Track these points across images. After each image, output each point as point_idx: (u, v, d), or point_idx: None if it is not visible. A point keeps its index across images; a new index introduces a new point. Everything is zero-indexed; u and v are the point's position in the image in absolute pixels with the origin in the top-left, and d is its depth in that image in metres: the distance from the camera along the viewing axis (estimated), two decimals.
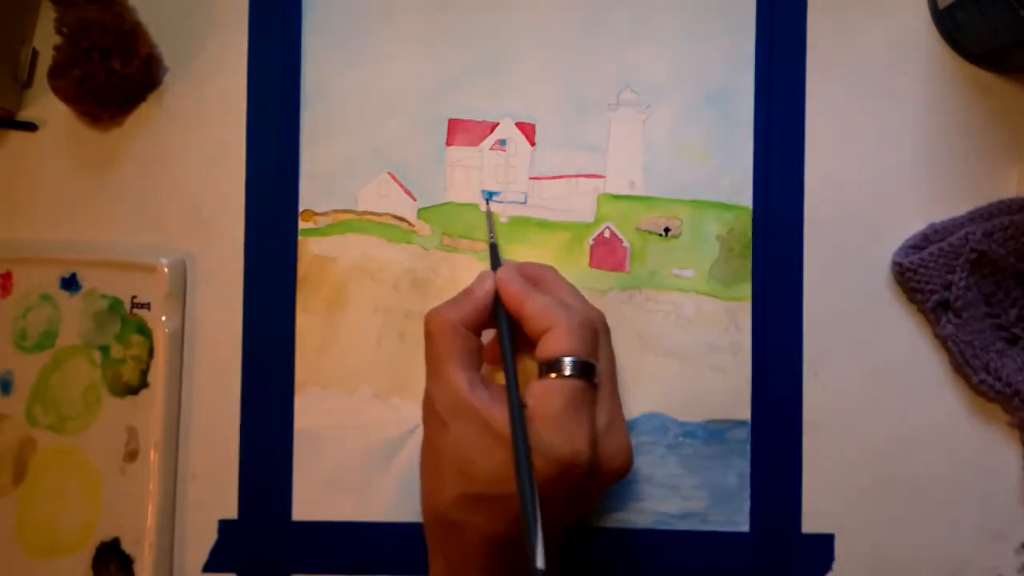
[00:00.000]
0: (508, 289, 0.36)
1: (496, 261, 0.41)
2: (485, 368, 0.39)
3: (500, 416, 0.33)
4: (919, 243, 0.43)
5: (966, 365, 0.42)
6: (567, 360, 0.33)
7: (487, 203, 0.43)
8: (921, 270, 0.42)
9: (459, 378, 0.34)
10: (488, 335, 0.38)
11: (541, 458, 0.32)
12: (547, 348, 0.34)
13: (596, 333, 0.35)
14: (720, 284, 0.44)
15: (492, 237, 0.42)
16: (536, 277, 0.38)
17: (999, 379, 0.42)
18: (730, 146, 0.44)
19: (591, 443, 0.33)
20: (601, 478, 0.34)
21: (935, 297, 0.42)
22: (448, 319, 0.35)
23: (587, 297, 0.38)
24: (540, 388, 0.33)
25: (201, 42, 0.44)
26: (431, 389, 0.35)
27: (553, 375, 0.33)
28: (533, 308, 0.35)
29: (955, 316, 0.42)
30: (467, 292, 0.37)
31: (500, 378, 0.38)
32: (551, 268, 0.39)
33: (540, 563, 0.28)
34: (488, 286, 0.37)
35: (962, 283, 0.41)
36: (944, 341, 0.43)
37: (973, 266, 0.42)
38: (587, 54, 0.44)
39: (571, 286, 0.38)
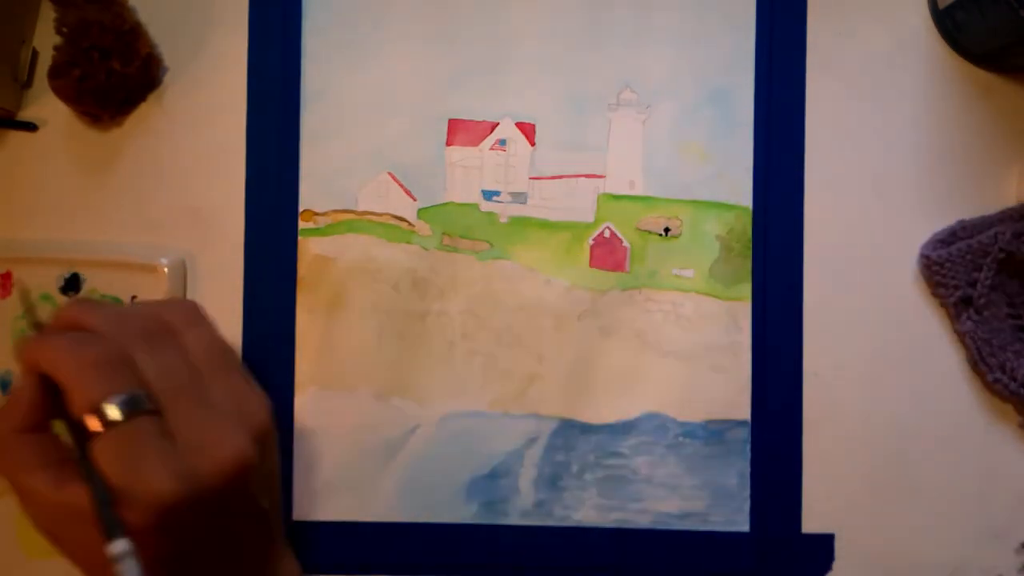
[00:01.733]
0: (27, 356, 0.31)
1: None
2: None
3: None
4: (947, 238, 0.43)
5: (982, 363, 0.43)
6: (99, 410, 0.29)
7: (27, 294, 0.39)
8: (948, 264, 0.42)
9: (51, 492, 0.30)
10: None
11: (131, 512, 0.29)
12: (76, 406, 0.30)
13: (122, 352, 0.31)
14: (720, 284, 0.44)
15: (35, 322, 0.35)
16: (70, 323, 0.33)
17: (1014, 379, 0.42)
18: (730, 146, 0.44)
19: (171, 472, 0.29)
20: (215, 490, 0.31)
21: (959, 293, 0.42)
22: (2, 436, 0.31)
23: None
24: (96, 450, 0.30)
25: (201, 42, 0.44)
26: (27, 511, 0.32)
27: (101, 428, 0.29)
28: (48, 364, 0.30)
29: (976, 313, 0.42)
30: (12, 395, 0.32)
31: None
32: (80, 302, 0.33)
33: None
34: (28, 378, 0.32)
35: (988, 281, 0.42)
36: (962, 337, 0.43)
37: (1000, 266, 0.42)
38: (587, 54, 0.44)
39: (106, 312, 0.33)
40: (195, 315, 0.35)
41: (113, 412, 0.29)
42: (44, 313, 0.37)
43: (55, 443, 0.32)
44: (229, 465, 0.31)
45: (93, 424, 0.30)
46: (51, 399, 0.31)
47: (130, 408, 0.30)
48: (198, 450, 0.31)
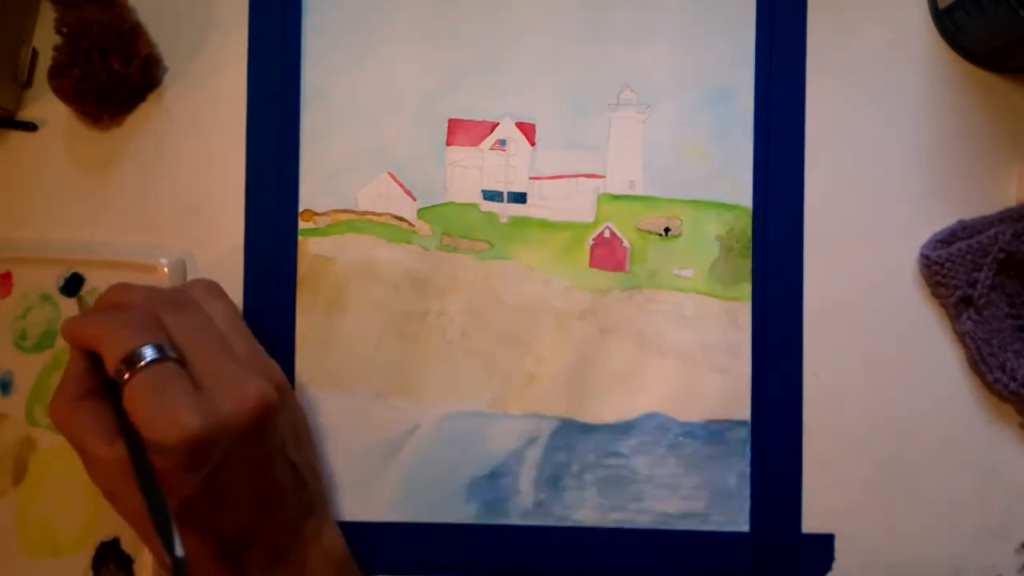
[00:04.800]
0: (68, 334, 0.35)
1: None
2: None
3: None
4: (947, 238, 0.43)
5: (982, 363, 0.43)
6: (124, 359, 0.32)
7: (78, 298, 0.41)
8: (948, 264, 0.42)
9: (104, 450, 0.33)
10: None
11: (161, 456, 0.31)
12: (109, 361, 0.32)
13: (150, 314, 0.34)
14: (720, 284, 0.44)
15: (81, 302, 0.40)
16: (110, 303, 0.36)
17: (1014, 379, 0.42)
18: (730, 146, 0.44)
19: (195, 407, 0.31)
20: (238, 428, 0.33)
21: (959, 293, 0.42)
22: (61, 407, 0.34)
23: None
24: (126, 394, 0.32)
25: (201, 42, 0.44)
26: (90, 474, 0.34)
27: (127, 376, 0.32)
28: (86, 335, 0.34)
29: (976, 313, 0.42)
30: (64, 371, 0.35)
31: None
32: (118, 285, 0.37)
33: (179, 551, 0.29)
34: (74, 353, 0.35)
35: (988, 281, 0.42)
36: (962, 337, 0.43)
37: (1000, 266, 0.42)
38: (587, 54, 0.44)
39: (140, 289, 0.36)
40: (217, 290, 0.38)
41: (140, 359, 0.32)
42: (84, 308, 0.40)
43: (108, 408, 0.34)
44: (252, 403, 0.33)
45: (124, 374, 0.32)
46: (99, 370, 0.34)
47: (156, 354, 0.32)
48: (222, 392, 0.33)
